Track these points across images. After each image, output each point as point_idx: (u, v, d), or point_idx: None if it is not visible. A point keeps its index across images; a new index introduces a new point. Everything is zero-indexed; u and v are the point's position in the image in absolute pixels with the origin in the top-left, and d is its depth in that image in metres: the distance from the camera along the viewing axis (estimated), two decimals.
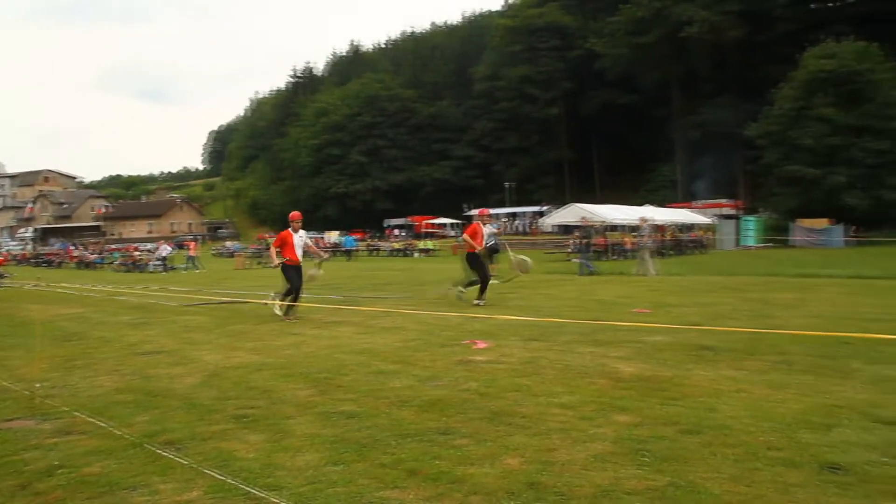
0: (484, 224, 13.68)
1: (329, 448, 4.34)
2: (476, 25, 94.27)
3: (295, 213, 12.12)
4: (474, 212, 68.68)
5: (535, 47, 72.23)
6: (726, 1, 54.86)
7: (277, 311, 11.90)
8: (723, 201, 53.19)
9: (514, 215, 67.03)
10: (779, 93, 45.77)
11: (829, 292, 13.52)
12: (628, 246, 30.29)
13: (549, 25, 72.82)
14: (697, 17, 55.01)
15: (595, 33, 66.34)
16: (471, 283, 13.49)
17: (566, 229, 37.26)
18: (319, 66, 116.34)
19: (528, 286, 16.98)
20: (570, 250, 30.83)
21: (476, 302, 12.90)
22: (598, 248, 30.25)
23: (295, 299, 11.56)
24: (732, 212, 49.59)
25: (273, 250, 12.22)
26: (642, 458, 3.94)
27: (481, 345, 7.96)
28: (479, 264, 13.19)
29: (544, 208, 61.65)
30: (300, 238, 11.92)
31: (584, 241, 23.72)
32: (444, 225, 71.25)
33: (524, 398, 5.42)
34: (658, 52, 59.77)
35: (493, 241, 23.78)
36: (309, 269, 12.53)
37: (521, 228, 63.61)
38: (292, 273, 11.66)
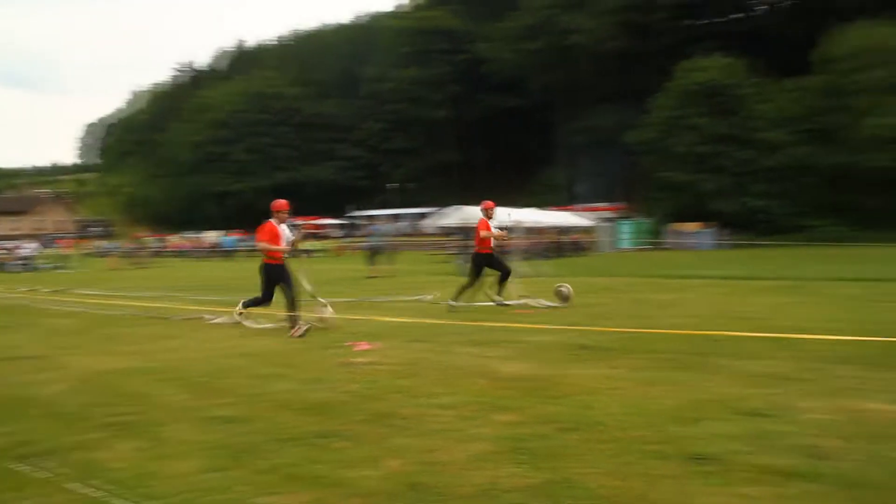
0: (490, 218, 11.98)
1: (206, 454, 4.21)
2: (366, 26, 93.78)
3: (281, 202, 9.85)
4: (365, 213, 68.24)
5: (424, 50, 72.64)
6: (610, 13, 56.81)
7: (234, 318, 10.37)
8: (603, 205, 54.90)
9: (397, 216, 67.03)
10: (656, 102, 48.24)
11: (700, 292, 14.13)
12: (508, 248, 30.73)
13: (438, 28, 73.41)
14: (583, 26, 56.75)
15: (483, 38, 67.33)
16: (464, 289, 11.86)
17: (449, 231, 37.52)
18: (205, 61, 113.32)
19: (411, 288, 17.03)
20: (451, 252, 31.08)
21: (502, 301, 11.83)
22: None
23: (293, 307, 9.40)
24: (612, 215, 51.32)
25: (266, 246, 9.57)
26: (521, 456, 4.01)
27: (364, 346, 7.91)
28: (489, 265, 11.69)
29: (430, 210, 61.85)
30: (284, 233, 9.80)
31: (465, 242, 24.02)
32: (329, 226, 70.41)
33: (405, 399, 5.43)
34: (544, 59, 61.25)
35: (375, 241, 23.87)
36: (320, 308, 10.09)
37: (405, 230, 63.54)
38: (277, 274, 9.57)
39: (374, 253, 22.84)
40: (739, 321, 9.50)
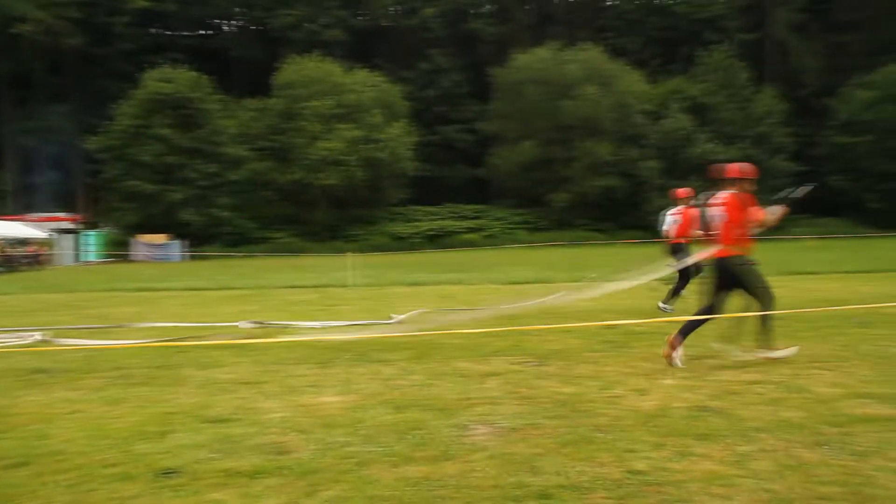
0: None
1: None
2: None
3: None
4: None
5: None
6: (65, 6, 52.99)
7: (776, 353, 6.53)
8: (62, 215, 51.09)
9: None
10: (119, 108, 46.99)
11: (165, 304, 14.21)
12: None
13: None
14: (32, 15, 51.88)
15: None
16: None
17: None
18: None
19: None
20: None
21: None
22: None
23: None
24: (72, 226, 48.14)
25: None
26: None
27: None
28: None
29: None
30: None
31: None
32: None
33: None
34: None
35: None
36: None
37: None
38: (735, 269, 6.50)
39: None
40: (204, 330, 9.75)
